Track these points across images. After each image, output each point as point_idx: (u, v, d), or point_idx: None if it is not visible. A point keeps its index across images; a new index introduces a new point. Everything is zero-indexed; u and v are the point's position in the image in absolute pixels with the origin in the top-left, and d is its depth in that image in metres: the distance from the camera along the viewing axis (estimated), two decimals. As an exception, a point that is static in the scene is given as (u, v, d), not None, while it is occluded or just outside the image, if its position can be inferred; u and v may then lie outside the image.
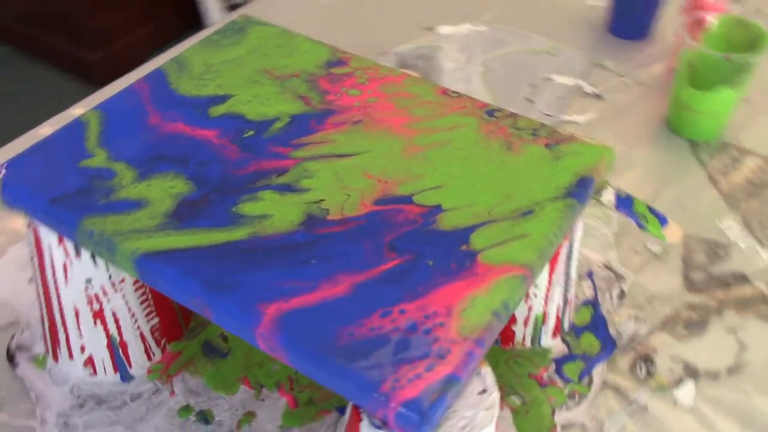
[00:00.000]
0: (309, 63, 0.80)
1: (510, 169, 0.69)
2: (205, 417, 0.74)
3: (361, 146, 0.71)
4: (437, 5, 1.34)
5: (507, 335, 0.80)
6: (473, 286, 0.59)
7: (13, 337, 0.80)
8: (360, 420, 0.55)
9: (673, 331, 0.85)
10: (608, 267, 0.91)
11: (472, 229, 0.63)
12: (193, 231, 0.62)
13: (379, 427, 0.54)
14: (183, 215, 0.64)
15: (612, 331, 0.84)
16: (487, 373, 0.57)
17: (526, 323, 0.79)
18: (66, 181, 0.66)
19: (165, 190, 0.66)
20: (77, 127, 0.72)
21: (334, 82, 0.78)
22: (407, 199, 0.66)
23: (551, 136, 0.72)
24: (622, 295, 0.88)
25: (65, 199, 0.65)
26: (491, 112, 0.75)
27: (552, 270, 0.75)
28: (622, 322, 0.86)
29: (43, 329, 0.77)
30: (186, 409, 0.75)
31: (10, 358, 0.78)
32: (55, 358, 0.77)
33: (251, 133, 0.72)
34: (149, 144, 0.70)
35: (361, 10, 1.34)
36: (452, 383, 0.53)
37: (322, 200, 0.65)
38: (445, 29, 1.28)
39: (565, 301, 0.80)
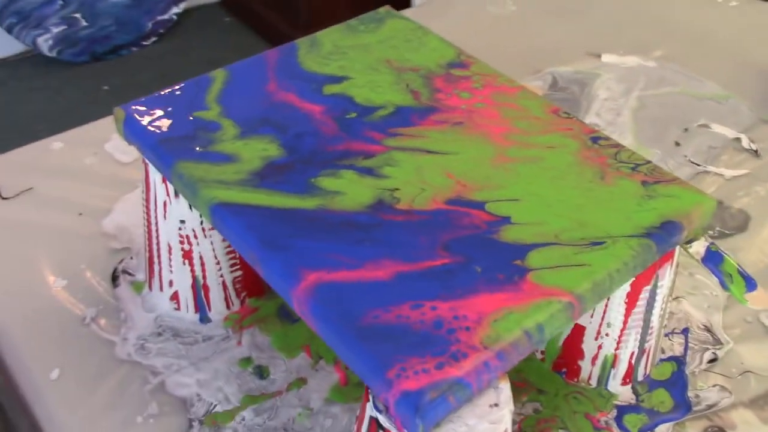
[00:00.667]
0: (431, 60, 0.82)
1: (595, 198, 0.67)
2: (261, 371, 0.78)
3: (453, 147, 0.72)
4: (608, 34, 1.30)
5: (573, 370, 0.77)
6: (513, 300, 0.58)
7: (122, 260, 0.89)
8: (368, 400, 0.56)
9: (761, 411, 0.78)
10: (708, 329, 0.85)
11: (533, 247, 0.62)
12: (269, 192, 0.66)
13: (380, 411, 0.54)
14: (266, 176, 0.68)
15: (691, 394, 0.79)
16: (505, 389, 0.56)
17: (593, 361, 0.76)
18: (177, 126, 0.73)
19: (258, 151, 0.70)
20: (204, 81, 0.78)
21: (449, 82, 0.79)
22: (479, 205, 0.66)
23: (651, 173, 0.69)
24: (714, 360, 0.82)
25: (171, 141, 0.71)
26: (596, 139, 0.73)
27: (628, 313, 0.72)
28: (705, 388, 0.80)
29: (145, 259, 0.84)
30: (246, 361, 0.79)
31: (114, 278, 0.87)
32: (150, 287, 0.84)
33: (354, 115, 0.75)
34: (260, 107, 0.75)
35: (530, 27, 1.33)
36: (458, 387, 0.53)
37: (396, 189, 0.67)
38: (609, 58, 1.25)
39: (642, 350, 0.76)
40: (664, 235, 0.64)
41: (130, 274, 0.87)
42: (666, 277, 0.72)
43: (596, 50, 1.27)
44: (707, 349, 0.83)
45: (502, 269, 0.60)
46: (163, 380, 0.77)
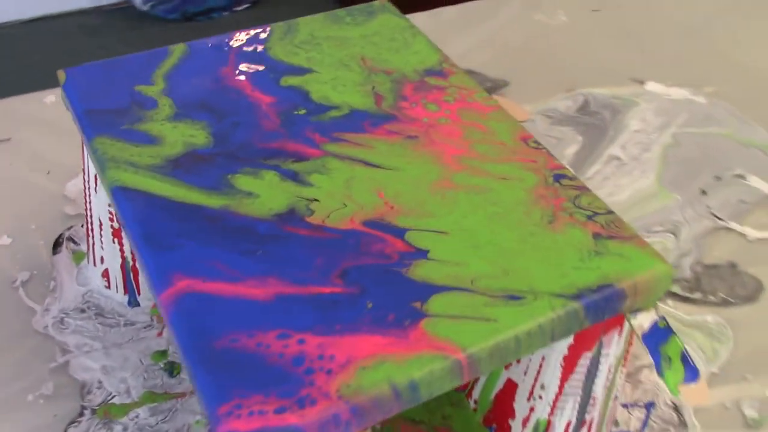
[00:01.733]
0: (409, 64, 0.75)
1: (533, 244, 0.58)
2: (172, 368, 0.73)
3: (396, 162, 0.64)
4: (661, 62, 1.19)
5: (503, 428, 0.69)
6: (392, 347, 0.51)
7: (71, 227, 0.86)
8: None
9: None
10: (677, 407, 0.75)
11: (441, 289, 0.55)
12: (176, 183, 0.61)
13: (209, 447, 0.49)
14: (181, 164, 0.62)
15: (635, 479, 0.69)
16: (361, 448, 0.49)
17: (525, 423, 0.67)
18: (114, 98, 0.68)
19: (184, 136, 0.65)
20: (160, 54, 0.74)
21: (419, 91, 0.72)
22: (399, 232, 0.59)
23: (608, 226, 0.60)
24: (673, 445, 0.72)
25: (100, 113, 0.67)
26: (559, 177, 0.64)
27: (564, 378, 0.63)
28: (653, 476, 0.70)
29: (85, 230, 0.81)
30: (161, 354, 0.74)
31: (57, 244, 0.84)
32: (88, 260, 0.81)
33: (302, 111, 0.68)
34: (205, 90, 0.70)
35: (577, 42, 1.23)
36: (294, 437, 0.46)
37: (314, 200, 0.61)
38: (654, 86, 1.14)
39: (580, 420, 0.67)
40: (598, 301, 0.55)
41: (75, 242, 0.84)
42: (613, 345, 0.63)
43: (642, 77, 1.15)
44: (669, 430, 0.73)
45: (395, 309, 0.53)
46: (69, 361, 0.73)
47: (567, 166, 0.65)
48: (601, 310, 0.56)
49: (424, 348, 0.51)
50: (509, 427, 0.69)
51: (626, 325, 0.62)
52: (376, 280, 0.55)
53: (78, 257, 0.82)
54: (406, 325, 0.52)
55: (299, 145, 0.65)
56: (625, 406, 0.75)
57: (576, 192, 0.63)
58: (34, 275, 0.81)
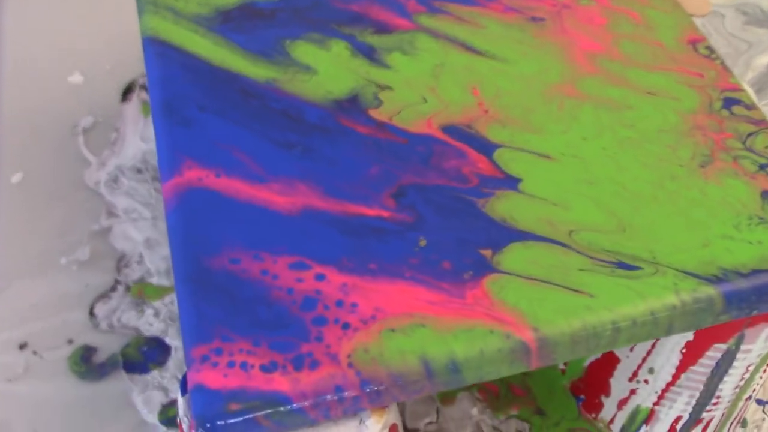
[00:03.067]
0: None
1: (672, 194, 0.42)
2: (221, 255, 0.64)
3: (506, 51, 0.48)
4: None
5: (593, 403, 0.55)
6: (438, 308, 0.37)
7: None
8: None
9: None
10: (830, 419, 0.58)
11: (525, 237, 0.40)
12: (220, 41, 0.48)
13: (183, 391, 0.38)
14: (233, 18, 0.49)
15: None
16: (374, 429, 0.37)
17: (620, 405, 0.53)
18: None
19: (247, -18, 0.51)
20: None
21: (563, -42, 0.54)
22: (488, 148, 0.44)
23: (788, 184, 0.42)
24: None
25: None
26: (731, 103, 0.46)
27: (682, 367, 0.48)
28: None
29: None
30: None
31: (127, 90, 0.74)
32: (157, 113, 0.71)
33: (402, -32, 0.53)
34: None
35: None
36: (280, 408, 0.35)
37: (388, 87, 0.46)
38: None
39: (695, 417, 0.52)
40: (747, 291, 0.39)
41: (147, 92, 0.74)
42: (759, 341, 0.46)
43: None
44: (812, 447, 0.57)
45: (455, 254, 0.39)
46: (112, 226, 0.65)
47: (747, 88, 0.46)
48: (748, 303, 0.39)
49: (481, 316, 0.37)
50: (600, 405, 0.55)
51: (784, 319, 0.45)
52: (441, 208, 0.41)
53: (148, 109, 0.73)
54: (465, 278, 0.38)
55: (386, 11, 0.50)
56: (759, 403, 0.58)
57: (751, 127, 0.45)
58: (98, 123, 0.72)
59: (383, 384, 0.35)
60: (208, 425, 0.34)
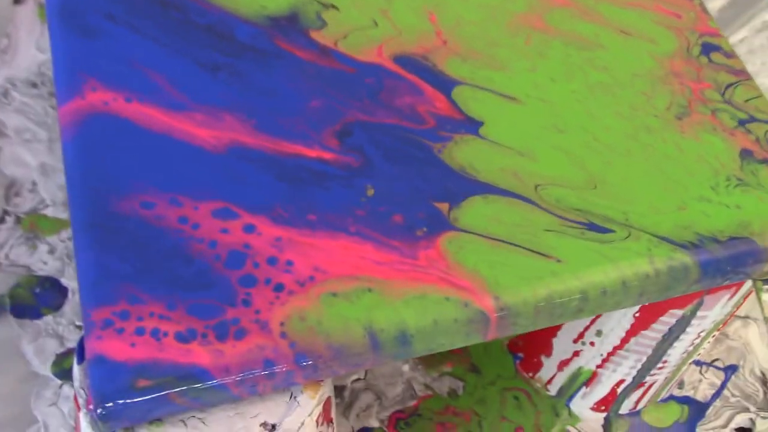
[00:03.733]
0: None
1: (645, 147, 0.38)
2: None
3: (469, -27, 0.42)
4: None
5: (531, 362, 0.52)
6: (384, 271, 0.32)
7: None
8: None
9: None
10: (765, 380, 0.57)
11: (486, 190, 0.35)
12: (134, -64, 0.40)
13: (79, 356, 0.32)
14: None
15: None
16: (306, 405, 0.32)
17: (561, 367, 0.50)
18: None
19: None
20: None
21: None
22: (446, 84, 0.38)
23: (768, 143, 0.39)
24: (746, 430, 0.55)
25: None
26: (710, 49, 0.42)
27: (633, 332, 0.45)
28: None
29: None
30: (119, 164, 0.57)
31: (21, -10, 0.64)
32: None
33: None
34: None
35: None
36: (196, 381, 0.29)
37: (333, 7, 0.40)
38: None
39: (638, 381, 0.49)
40: (724, 259, 0.35)
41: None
42: (716, 307, 0.43)
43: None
44: (747, 409, 0.55)
45: (408, 207, 0.34)
46: (2, 148, 0.56)
47: (723, 34, 0.42)
48: (723, 273, 0.36)
49: (436, 280, 0.32)
50: (540, 364, 0.51)
51: (745, 286, 0.42)
52: (391, 152, 0.35)
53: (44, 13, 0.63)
54: (418, 236, 0.33)
55: None
56: (698, 363, 0.56)
57: (731, 77, 0.41)
58: (-12, 26, 0.62)
59: (321, 357, 0.30)
60: (109, 404, 0.28)
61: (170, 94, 0.35)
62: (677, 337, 0.45)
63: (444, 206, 0.34)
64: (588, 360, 0.48)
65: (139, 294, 0.30)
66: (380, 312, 0.31)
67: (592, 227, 0.35)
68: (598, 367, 0.48)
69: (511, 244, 0.34)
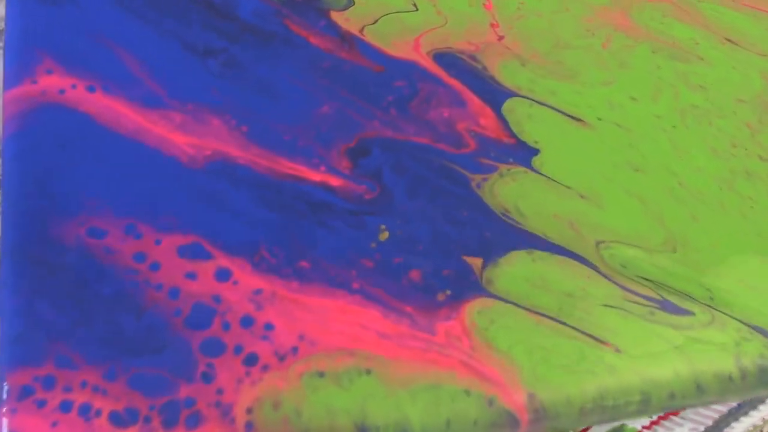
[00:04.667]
0: None
1: (746, 201, 0.29)
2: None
3: (541, -52, 0.33)
4: None
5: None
6: (389, 347, 0.25)
7: None
8: None
9: None
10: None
11: (532, 243, 0.27)
12: None
13: None
14: None
15: None
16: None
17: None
18: None
19: None
20: None
21: None
22: (496, 94, 0.30)
23: None
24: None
25: None
26: (841, 71, 0.33)
27: (693, 400, 0.37)
28: None
29: None
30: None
31: None
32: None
33: None
34: None
35: None
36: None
37: (364, -19, 0.31)
38: None
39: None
40: (832, 362, 0.27)
41: None
42: None
43: None
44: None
45: (430, 259, 0.26)
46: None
47: None
48: (828, 376, 0.28)
49: (456, 365, 0.25)
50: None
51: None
52: (418, 183, 0.28)
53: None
54: (438, 300, 0.26)
55: None
56: None
57: None
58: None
59: (297, 457, 0.23)
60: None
61: (145, 84, 0.28)
62: (746, 412, 0.37)
63: (476, 262, 0.27)
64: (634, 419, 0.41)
65: (70, 355, 0.23)
66: (378, 404, 0.24)
67: (665, 306, 0.27)
68: (645, 428, 0.41)
69: (558, 321, 0.26)
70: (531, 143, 0.29)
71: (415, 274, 0.26)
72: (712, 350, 0.26)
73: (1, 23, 0.47)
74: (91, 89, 0.27)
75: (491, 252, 0.27)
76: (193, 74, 0.28)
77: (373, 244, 0.26)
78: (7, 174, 0.26)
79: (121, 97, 0.27)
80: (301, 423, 0.23)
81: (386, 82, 0.29)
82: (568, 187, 0.28)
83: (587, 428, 0.42)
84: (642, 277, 0.27)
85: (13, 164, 0.26)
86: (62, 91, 0.27)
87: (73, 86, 0.27)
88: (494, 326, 0.26)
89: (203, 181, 0.26)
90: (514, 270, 0.27)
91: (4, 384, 0.23)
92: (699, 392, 0.26)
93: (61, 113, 0.27)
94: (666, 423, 0.40)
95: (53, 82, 0.27)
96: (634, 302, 0.27)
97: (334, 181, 0.27)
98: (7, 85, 0.27)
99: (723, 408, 0.37)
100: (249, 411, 0.23)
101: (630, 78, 0.31)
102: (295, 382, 0.24)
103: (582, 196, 0.28)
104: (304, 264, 0.26)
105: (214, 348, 0.24)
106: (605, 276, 0.27)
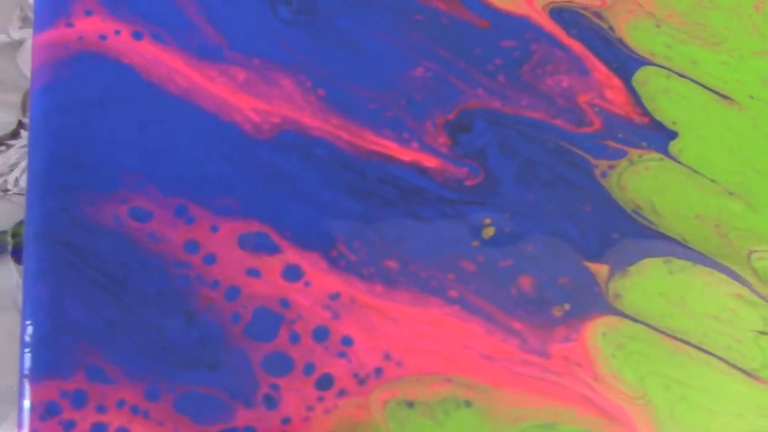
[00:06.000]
0: None
1: None
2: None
3: None
4: None
5: None
6: (493, 372, 0.20)
7: None
8: None
9: None
10: None
11: (667, 248, 0.22)
12: None
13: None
14: None
15: None
16: None
17: None
18: None
19: None
20: None
21: None
22: (626, 61, 0.24)
23: None
24: None
25: None
26: None
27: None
28: None
29: None
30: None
31: None
32: None
33: None
34: None
35: None
36: None
37: None
38: None
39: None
40: None
41: None
42: None
43: None
44: None
45: (544, 264, 0.21)
46: (24, 40, 0.45)
47: None
48: None
49: (575, 399, 0.20)
50: None
51: None
52: (531, 168, 0.23)
53: None
54: (554, 316, 0.21)
55: None
56: None
57: None
58: None
59: (377, 507, 0.19)
60: None
61: (204, 32, 0.23)
62: None
63: (601, 270, 0.22)
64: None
65: (105, 365, 0.19)
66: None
67: (834, 336, 0.21)
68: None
69: (700, 350, 0.21)
70: (668, 124, 0.24)
71: (525, 282, 0.21)
72: None
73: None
74: (137, 36, 0.22)
75: (619, 259, 0.22)
76: (260, 22, 0.23)
77: (475, 243, 0.21)
78: (33, 138, 0.21)
79: (172, 48, 0.22)
80: (385, 465, 0.19)
81: (493, 41, 0.24)
82: (713, 181, 0.23)
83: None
84: (805, 298, 0.22)
85: (41, 126, 0.21)
86: (103, 37, 0.22)
87: (117, 32, 0.22)
88: (622, 352, 0.21)
89: (270, 155, 0.22)
90: (647, 282, 0.22)
91: (27, 397, 0.19)
92: None
93: (100, 64, 0.22)
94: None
95: (93, 26, 0.22)
96: (796, 329, 0.21)
97: (429, 162, 0.22)
98: (38, 26, 0.22)
99: None
100: (321, 447, 0.19)
101: (788, 47, 0.25)
102: (378, 413, 0.19)
103: (730, 193, 0.23)
104: (390, 263, 0.21)
105: (280, 365, 0.19)
106: (759, 295, 0.22)
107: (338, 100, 0.23)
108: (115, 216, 0.20)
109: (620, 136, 0.23)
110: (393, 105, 0.23)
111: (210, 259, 0.20)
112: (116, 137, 0.21)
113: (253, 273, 0.20)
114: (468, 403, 0.20)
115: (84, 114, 0.21)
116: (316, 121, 0.22)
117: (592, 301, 0.21)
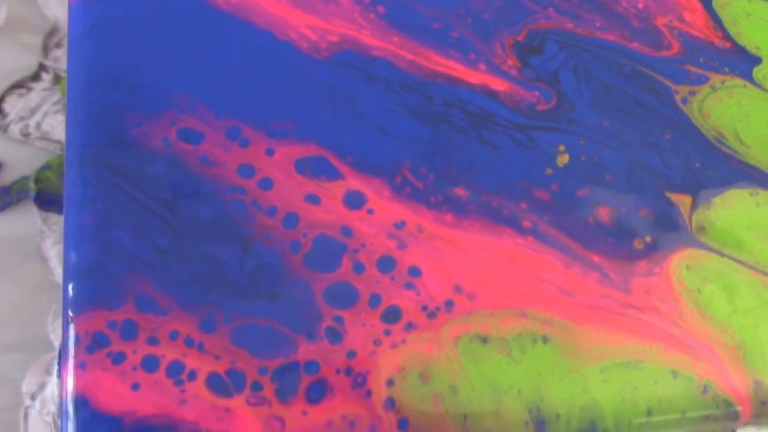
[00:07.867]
0: None
1: None
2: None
3: None
4: None
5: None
6: (571, 307, 0.19)
7: None
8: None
9: None
10: None
11: (754, 179, 0.21)
12: None
13: (58, 366, 0.20)
14: None
15: None
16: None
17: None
18: None
19: None
20: None
21: None
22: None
23: None
24: None
25: None
26: None
27: None
28: None
29: None
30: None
31: None
32: None
33: None
34: None
35: None
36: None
37: None
38: None
39: None
40: None
41: None
42: None
43: None
44: None
45: (623, 194, 0.20)
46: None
47: None
48: None
49: (660, 337, 0.19)
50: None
51: None
52: (606, 92, 0.21)
53: None
54: (635, 248, 0.19)
55: None
56: None
57: None
58: None
59: (450, 448, 0.18)
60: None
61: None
62: None
63: (684, 201, 0.20)
64: None
65: (156, 295, 0.18)
66: (558, 383, 0.18)
67: None
68: None
69: (793, 286, 0.19)
70: (752, 49, 0.22)
71: (603, 213, 0.20)
72: None
73: None
74: (183, -52, 0.21)
75: (703, 189, 0.20)
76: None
77: (549, 170, 0.20)
78: (73, 55, 0.20)
79: (221, -40, 0.21)
80: (457, 404, 0.17)
81: (563, -42, 0.22)
82: (802, 109, 0.21)
83: None
84: None
85: (82, 42, 0.20)
86: (147, -51, 0.21)
87: (161, -57, 0.21)
88: (709, 288, 0.19)
89: (328, 75, 0.20)
90: (732, 214, 0.20)
91: (71, 328, 0.17)
92: None
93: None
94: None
95: (135, -64, 0.21)
96: None
97: (498, 85, 0.21)
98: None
99: None
100: (390, 383, 0.17)
101: None
102: (450, 349, 0.18)
103: (820, 122, 0.21)
104: (459, 191, 0.19)
105: (344, 296, 0.18)
106: None
107: (400, 17, 0.21)
108: (164, 138, 0.19)
109: (701, 60, 0.22)
110: (458, 24, 0.21)
111: (266, 184, 0.19)
112: (163, 54, 0.20)
113: (313, 199, 0.19)
114: (545, 339, 0.18)
115: (129, 29, 0.20)
116: (376, 40, 0.21)
117: (675, 234, 0.20)
